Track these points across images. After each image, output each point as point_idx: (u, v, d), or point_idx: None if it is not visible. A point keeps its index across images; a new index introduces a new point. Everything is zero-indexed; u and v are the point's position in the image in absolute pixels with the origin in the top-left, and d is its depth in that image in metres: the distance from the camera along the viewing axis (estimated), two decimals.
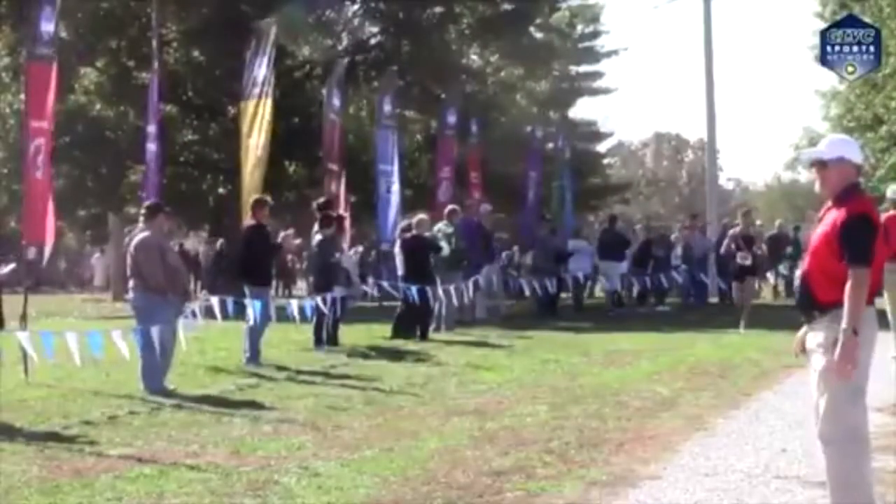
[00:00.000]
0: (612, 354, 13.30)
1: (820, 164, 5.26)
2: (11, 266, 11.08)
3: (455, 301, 16.42)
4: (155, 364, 10.20)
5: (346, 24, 30.25)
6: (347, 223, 18.18)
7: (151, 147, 15.07)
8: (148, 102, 15.11)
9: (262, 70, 15.82)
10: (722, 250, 17.75)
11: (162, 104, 15.00)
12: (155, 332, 10.08)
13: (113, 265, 31.23)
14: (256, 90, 15.83)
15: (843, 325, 4.95)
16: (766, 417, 8.65)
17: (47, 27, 11.76)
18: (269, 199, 13.83)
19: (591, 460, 7.00)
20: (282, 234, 14.08)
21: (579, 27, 41.20)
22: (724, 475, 6.54)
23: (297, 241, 15.22)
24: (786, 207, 56.54)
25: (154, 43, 14.87)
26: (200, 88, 25.92)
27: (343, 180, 18.36)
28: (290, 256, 24.72)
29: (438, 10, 28.77)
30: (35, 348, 9.92)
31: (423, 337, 15.39)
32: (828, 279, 5.08)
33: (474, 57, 36.08)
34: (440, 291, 15.97)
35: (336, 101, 18.65)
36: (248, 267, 12.98)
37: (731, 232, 17.03)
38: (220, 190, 26.32)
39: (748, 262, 16.16)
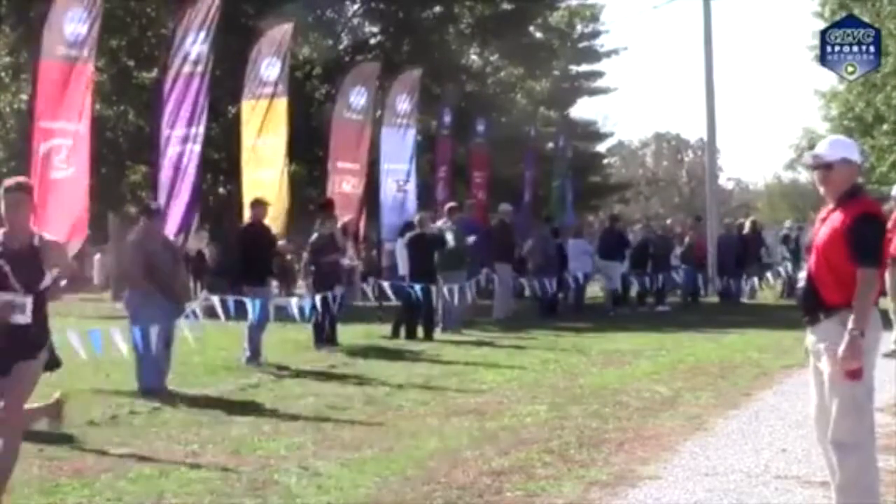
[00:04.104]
0: (612, 354, 13.30)
1: (824, 166, 5.25)
2: None
3: (457, 301, 16.37)
4: (149, 363, 10.18)
5: (346, 24, 30.25)
6: (362, 223, 18.20)
7: (192, 149, 13.77)
8: (197, 101, 14.20)
9: (273, 70, 15.74)
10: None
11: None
12: (149, 331, 10.08)
13: (112, 265, 31.22)
14: (268, 90, 15.71)
15: (851, 325, 4.92)
16: (766, 417, 8.64)
17: (75, 27, 11.68)
18: (265, 199, 13.84)
19: (591, 460, 7.00)
20: (280, 243, 14.17)
21: (579, 27, 41.23)
22: (724, 475, 6.54)
23: (283, 241, 15.10)
24: (786, 207, 56.52)
25: (201, 46, 14.11)
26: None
27: (363, 179, 18.34)
28: (289, 256, 24.70)
29: (438, 10, 28.78)
30: None
31: (427, 337, 15.38)
32: (836, 281, 5.04)
33: (474, 57, 36.10)
34: (444, 290, 15.97)
35: (361, 101, 18.57)
36: (244, 267, 13.04)
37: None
38: (221, 190, 26.31)
39: None
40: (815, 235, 5.38)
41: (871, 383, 5.10)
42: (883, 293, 12.35)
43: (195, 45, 14.02)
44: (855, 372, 4.97)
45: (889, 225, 12.22)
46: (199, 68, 14.01)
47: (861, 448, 5.06)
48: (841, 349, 4.95)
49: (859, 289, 4.95)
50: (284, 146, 15.58)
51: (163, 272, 10.50)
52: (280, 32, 16.09)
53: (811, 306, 5.20)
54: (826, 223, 5.22)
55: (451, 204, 17.68)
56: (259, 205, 13.47)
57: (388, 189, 19.30)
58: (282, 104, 15.56)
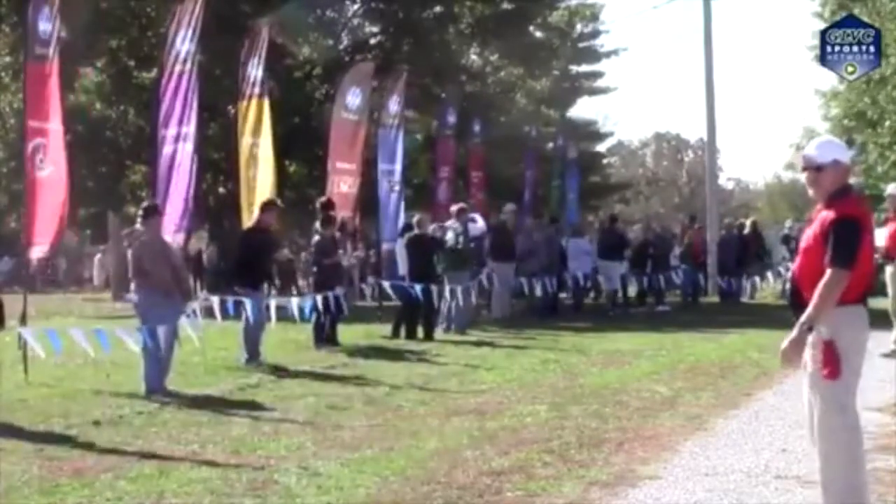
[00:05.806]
0: (612, 354, 13.30)
1: (815, 169, 5.26)
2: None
3: (461, 301, 16.33)
4: (156, 364, 10.21)
5: (346, 24, 30.24)
6: (357, 222, 18.20)
7: (183, 148, 13.78)
8: (186, 100, 14.18)
9: (258, 70, 15.79)
10: None
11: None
12: (158, 331, 10.10)
13: (112, 265, 31.21)
14: (257, 90, 15.77)
15: (802, 317, 4.95)
16: (766, 417, 8.65)
17: (45, 27, 11.74)
18: (277, 201, 13.83)
19: (591, 460, 7.01)
20: (283, 252, 14.19)
21: (579, 27, 41.15)
22: (724, 475, 6.54)
23: (285, 251, 15.14)
24: (786, 207, 56.49)
25: (189, 45, 14.07)
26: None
27: (359, 179, 18.34)
28: (290, 257, 24.76)
29: (438, 10, 28.77)
30: (39, 345, 9.95)
31: (428, 337, 15.37)
32: (817, 280, 5.03)
33: (474, 57, 36.08)
34: (447, 291, 15.96)
35: (356, 101, 18.59)
36: (239, 269, 13.05)
37: None
38: (221, 190, 26.31)
39: None
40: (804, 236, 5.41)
41: (852, 382, 5.08)
42: (883, 293, 12.41)
43: (184, 43, 14.09)
44: (832, 371, 4.96)
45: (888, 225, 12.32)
46: (188, 66, 14.08)
47: (843, 447, 5.04)
48: (785, 341, 4.96)
49: (821, 285, 4.95)
50: (271, 146, 15.57)
51: (177, 268, 10.59)
52: (261, 32, 16.13)
53: (796, 306, 5.20)
54: (812, 224, 5.25)
55: (460, 205, 17.62)
56: (269, 208, 13.39)
57: (385, 190, 19.32)
58: (267, 104, 15.59)
